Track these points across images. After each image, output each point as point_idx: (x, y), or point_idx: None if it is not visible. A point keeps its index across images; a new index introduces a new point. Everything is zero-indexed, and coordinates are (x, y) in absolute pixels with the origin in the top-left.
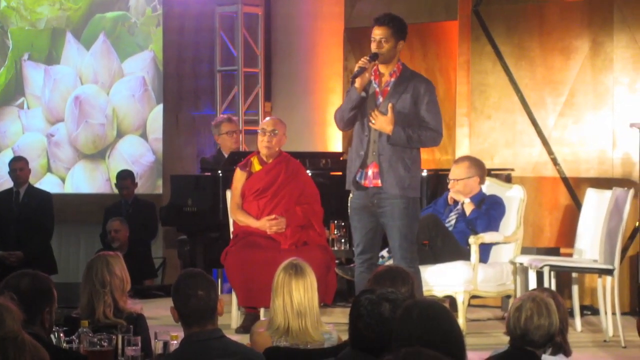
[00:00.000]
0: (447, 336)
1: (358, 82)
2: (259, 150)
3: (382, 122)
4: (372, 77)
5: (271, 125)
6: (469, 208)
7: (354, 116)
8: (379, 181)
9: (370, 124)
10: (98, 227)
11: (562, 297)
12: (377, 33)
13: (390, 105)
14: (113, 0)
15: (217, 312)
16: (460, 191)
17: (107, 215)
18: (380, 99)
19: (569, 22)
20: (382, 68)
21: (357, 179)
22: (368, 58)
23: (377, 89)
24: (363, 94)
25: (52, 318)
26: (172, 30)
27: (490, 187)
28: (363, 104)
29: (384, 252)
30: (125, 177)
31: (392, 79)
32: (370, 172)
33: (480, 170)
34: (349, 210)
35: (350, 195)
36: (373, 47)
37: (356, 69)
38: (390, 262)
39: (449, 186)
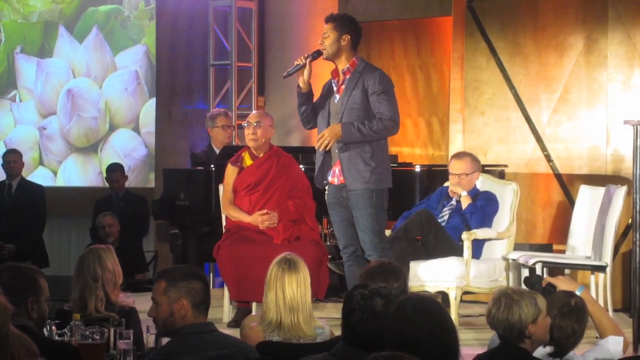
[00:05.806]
0: (440, 331)
1: (301, 80)
2: (248, 145)
3: (330, 133)
4: (332, 76)
5: (255, 117)
6: (466, 201)
7: (311, 114)
8: (343, 177)
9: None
10: (90, 220)
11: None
12: (323, 30)
13: None
14: None
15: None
16: (464, 186)
17: (97, 208)
18: (337, 97)
19: (563, 19)
20: (339, 65)
21: (327, 176)
22: (306, 55)
23: (335, 87)
24: (309, 88)
25: (42, 309)
26: (165, 24)
27: (483, 183)
28: (311, 99)
29: None
30: (114, 171)
31: (347, 76)
32: (337, 170)
33: (480, 165)
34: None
35: (326, 190)
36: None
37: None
38: None
39: (453, 181)
